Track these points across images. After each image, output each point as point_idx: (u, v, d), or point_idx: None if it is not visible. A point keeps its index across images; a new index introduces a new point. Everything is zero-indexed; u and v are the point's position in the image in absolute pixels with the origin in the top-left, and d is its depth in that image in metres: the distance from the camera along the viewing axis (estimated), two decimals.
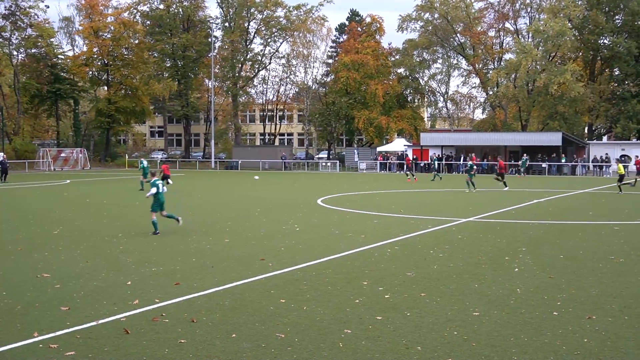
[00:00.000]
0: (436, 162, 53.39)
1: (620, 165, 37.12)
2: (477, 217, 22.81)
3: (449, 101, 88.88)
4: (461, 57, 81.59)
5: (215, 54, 79.47)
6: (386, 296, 11.01)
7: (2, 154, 53.31)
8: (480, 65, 79.93)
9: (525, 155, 60.40)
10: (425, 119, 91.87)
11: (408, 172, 50.26)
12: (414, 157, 67.30)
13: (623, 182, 36.46)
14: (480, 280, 12.23)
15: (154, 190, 18.66)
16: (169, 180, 38.01)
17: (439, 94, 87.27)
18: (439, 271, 13.14)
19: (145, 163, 38.29)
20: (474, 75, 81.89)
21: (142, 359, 7.94)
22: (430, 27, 78.95)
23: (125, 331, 8.98)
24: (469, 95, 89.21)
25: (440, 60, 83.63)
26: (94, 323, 9.39)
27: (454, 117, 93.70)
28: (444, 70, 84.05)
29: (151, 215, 18.62)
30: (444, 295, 11.10)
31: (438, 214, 23.77)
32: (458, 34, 78.74)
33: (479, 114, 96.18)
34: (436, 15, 77.84)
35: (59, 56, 79.62)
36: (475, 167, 38.37)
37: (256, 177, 49.66)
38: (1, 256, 14.89)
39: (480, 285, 11.76)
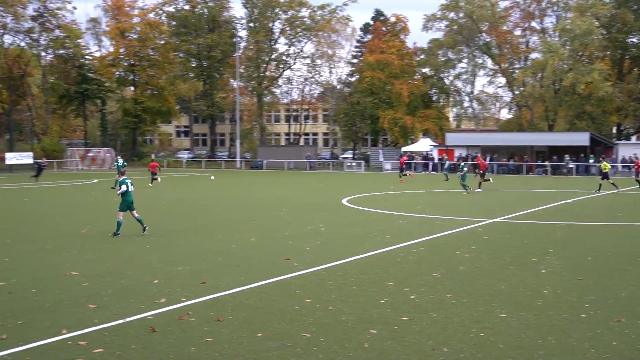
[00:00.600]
0: (447, 162, 52.93)
1: (606, 163, 37.19)
2: (504, 218, 22.66)
3: (474, 101, 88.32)
4: (487, 57, 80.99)
5: (240, 54, 79.71)
6: (412, 297, 10.98)
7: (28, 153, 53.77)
8: (506, 65, 79.28)
9: (567, 156, 59.55)
10: (451, 119, 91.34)
11: (401, 174, 48.43)
12: (440, 157, 66.97)
13: (609, 181, 36.37)
14: (507, 281, 12.15)
15: (123, 188, 18.44)
16: (158, 178, 38.11)
17: (464, 94, 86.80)
18: (465, 272, 13.08)
19: (120, 161, 38.50)
20: (499, 74, 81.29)
21: (168, 357, 7.99)
22: (455, 27, 78.45)
23: (152, 329, 9.05)
24: (494, 94, 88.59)
25: (465, 60, 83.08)
26: (121, 321, 9.48)
27: (480, 117, 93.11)
28: (469, 69, 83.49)
29: (117, 215, 18.29)
30: (470, 296, 11.05)
31: (464, 215, 23.64)
32: (483, 33, 78.19)
33: (505, 114, 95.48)
34: (461, 15, 77.36)
35: (86, 57, 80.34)
36: (465, 168, 36.72)
37: (212, 178, 49.39)
38: (31, 254, 15.08)
39: (507, 287, 11.69)
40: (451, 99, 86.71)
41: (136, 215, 18.44)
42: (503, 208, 26.31)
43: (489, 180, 38.54)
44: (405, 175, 48.04)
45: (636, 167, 42.66)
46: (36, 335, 8.78)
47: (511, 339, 8.70)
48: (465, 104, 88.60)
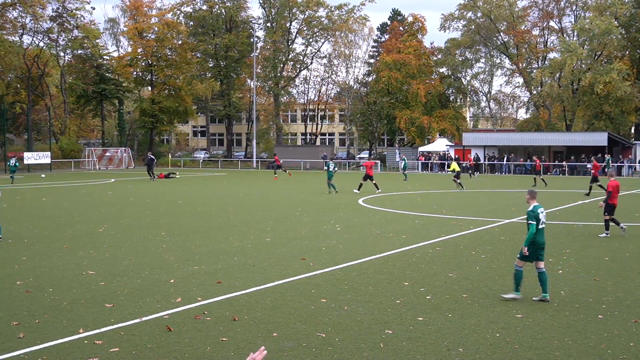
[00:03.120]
0: (405, 161, 52.42)
1: (454, 163, 40.33)
2: (520, 218, 22.52)
3: (491, 101, 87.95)
4: (504, 56, 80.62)
5: (257, 54, 79.84)
6: (428, 297, 10.97)
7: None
8: (524, 65, 78.85)
9: (607, 155, 58.76)
10: (468, 119, 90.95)
11: (285, 170, 51.07)
12: (462, 156, 66.72)
13: (458, 180, 37.87)
14: (524, 282, 12.08)
15: None
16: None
17: (481, 94, 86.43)
18: (481, 272, 13.04)
19: (12, 162, 45.22)
20: (517, 74, 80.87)
21: (184, 356, 8.03)
22: (473, 26, 78.12)
23: (168, 328, 9.09)
24: (512, 94, 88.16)
25: (483, 60, 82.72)
26: (137, 320, 9.54)
27: (497, 117, 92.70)
28: (486, 69, 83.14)
29: None
30: (486, 296, 11.02)
31: (480, 215, 23.56)
32: (501, 33, 77.83)
33: (522, 114, 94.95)
34: (479, 14, 77.02)
35: (105, 57, 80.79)
36: (331, 167, 34.72)
37: (43, 175, 52.49)
38: (48, 253, 15.20)
39: (523, 287, 11.61)
40: (468, 99, 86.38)
41: None
42: (520, 208, 26.14)
43: (362, 184, 35.84)
44: (280, 173, 49.73)
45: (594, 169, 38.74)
46: (53, 334, 8.85)
47: (527, 340, 8.67)
48: (483, 104, 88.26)
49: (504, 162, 64.18)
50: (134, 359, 7.99)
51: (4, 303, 10.53)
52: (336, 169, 36.65)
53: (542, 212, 10.91)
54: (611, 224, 18.39)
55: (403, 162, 52.13)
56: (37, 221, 21.70)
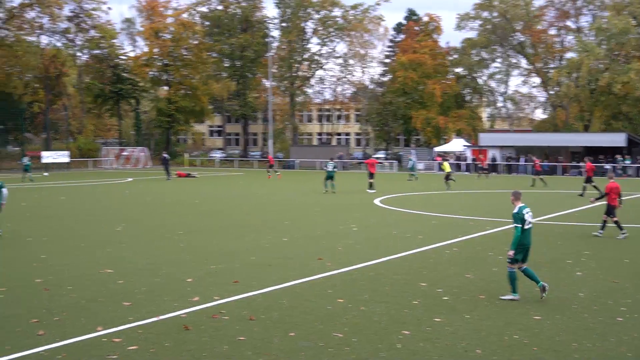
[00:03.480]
0: (412, 161, 52.06)
1: (446, 163, 41.57)
2: (538, 220, 22.38)
3: (508, 101, 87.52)
4: (521, 56, 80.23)
5: (272, 54, 79.96)
6: (445, 298, 10.93)
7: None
8: (541, 64, 78.43)
9: (619, 156, 58.22)
10: (484, 119, 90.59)
11: (269, 170, 52.34)
12: (473, 157, 66.46)
13: (449, 179, 38.38)
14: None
15: None
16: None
17: (497, 94, 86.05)
18: (499, 273, 12.97)
19: (25, 159, 47.50)
20: (534, 74, 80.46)
21: (201, 355, 8.06)
22: (489, 26, 77.81)
23: (186, 327, 9.13)
24: (529, 94, 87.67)
25: (499, 60, 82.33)
26: (155, 319, 9.58)
27: (514, 117, 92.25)
28: (503, 69, 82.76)
29: None
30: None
31: (497, 216, 23.44)
32: (518, 33, 77.45)
33: (539, 114, 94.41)
34: (495, 14, 76.70)
35: (121, 57, 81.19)
36: (330, 167, 34.66)
37: (45, 174, 54.10)
38: (67, 252, 15.30)
39: (537, 291, 11.55)
40: (484, 99, 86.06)
41: None
42: (537, 209, 25.96)
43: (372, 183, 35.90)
44: (270, 173, 50.91)
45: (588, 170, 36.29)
46: (72, 332, 8.91)
47: (545, 342, 8.62)
48: (499, 104, 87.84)
49: (521, 162, 63.81)
50: (152, 357, 8.02)
51: (24, 301, 10.62)
52: (336, 169, 36.88)
53: (527, 213, 10.84)
54: (609, 224, 18.50)
55: (411, 162, 52.10)
56: (55, 220, 21.84)
